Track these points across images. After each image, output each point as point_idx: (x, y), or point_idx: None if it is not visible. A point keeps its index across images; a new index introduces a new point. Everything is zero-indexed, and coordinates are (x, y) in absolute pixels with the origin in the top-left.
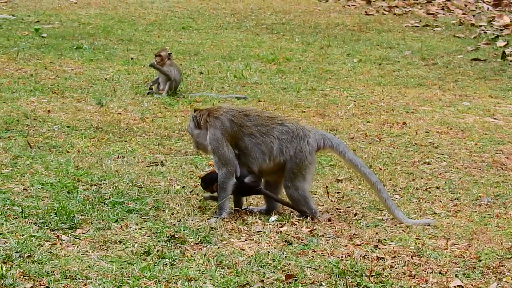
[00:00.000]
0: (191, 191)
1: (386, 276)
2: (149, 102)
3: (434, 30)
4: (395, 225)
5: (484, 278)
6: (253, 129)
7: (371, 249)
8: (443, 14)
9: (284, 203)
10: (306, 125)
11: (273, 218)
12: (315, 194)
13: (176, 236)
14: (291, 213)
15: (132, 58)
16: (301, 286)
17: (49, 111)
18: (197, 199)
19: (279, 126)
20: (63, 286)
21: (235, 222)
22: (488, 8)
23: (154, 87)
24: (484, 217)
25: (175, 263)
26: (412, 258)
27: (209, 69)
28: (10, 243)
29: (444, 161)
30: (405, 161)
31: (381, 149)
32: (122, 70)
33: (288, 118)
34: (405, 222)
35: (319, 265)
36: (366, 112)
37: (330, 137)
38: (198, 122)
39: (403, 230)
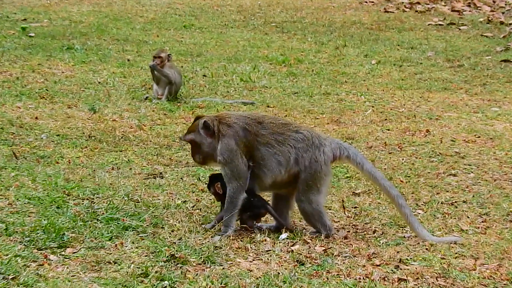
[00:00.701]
0: (193, 206)
1: None
2: (147, 108)
3: (459, 29)
4: (418, 243)
5: None
6: (269, 138)
7: (392, 270)
8: (469, 11)
9: (287, 227)
10: (321, 133)
11: (284, 235)
12: (330, 209)
13: (177, 255)
14: (304, 230)
15: (128, 60)
16: None
17: (36, 118)
18: (199, 214)
19: (295, 134)
20: None
21: (241, 240)
22: None
23: (152, 92)
24: None
25: (175, 286)
26: (437, 279)
27: (213, 71)
28: None
29: (472, 172)
30: (428, 172)
31: (402, 159)
32: (117, 72)
33: (302, 125)
34: (429, 240)
35: None
36: (385, 119)
37: (347, 147)
38: (212, 130)
39: (427, 249)
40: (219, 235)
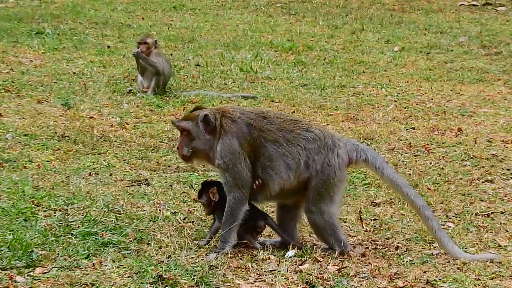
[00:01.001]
0: (184, 219)
1: None
2: (130, 103)
3: (496, 10)
4: (448, 261)
5: None
6: (277, 135)
7: None
8: None
9: (296, 244)
10: (334, 133)
11: (291, 253)
12: (345, 222)
13: (165, 276)
14: (314, 247)
15: (108, 47)
16: None
17: (0, 114)
18: (192, 228)
19: (305, 132)
20: None
21: (241, 259)
22: None
23: (136, 84)
24: None
25: None
26: None
27: (208, 60)
28: None
29: (511, 178)
30: (460, 178)
31: (430, 163)
32: (95, 61)
33: (312, 123)
34: (461, 257)
35: None
36: (410, 116)
37: (364, 148)
38: (213, 126)
39: (458, 268)
40: (215, 252)
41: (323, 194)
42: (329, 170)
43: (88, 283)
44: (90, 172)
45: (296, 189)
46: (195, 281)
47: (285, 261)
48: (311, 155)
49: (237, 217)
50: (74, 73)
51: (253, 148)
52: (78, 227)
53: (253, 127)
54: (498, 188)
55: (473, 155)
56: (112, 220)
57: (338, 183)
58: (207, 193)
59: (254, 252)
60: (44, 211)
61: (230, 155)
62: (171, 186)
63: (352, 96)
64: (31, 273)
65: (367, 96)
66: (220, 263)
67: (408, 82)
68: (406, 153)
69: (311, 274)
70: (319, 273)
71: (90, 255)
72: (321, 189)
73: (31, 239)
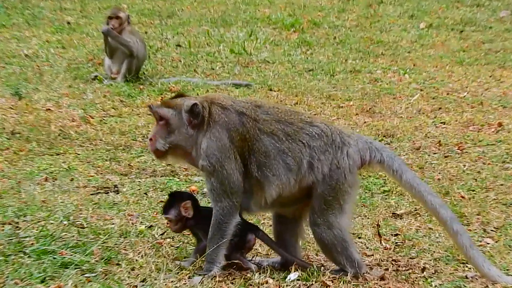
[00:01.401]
0: (162, 234)
1: None
2: (95, 92)
3: None
4: (487, 286)
5: None
6: (275, 126)
7: None
8: None
9: (299, 262)
10: (343, 128)
11: (293, 276)
12: (360, 238)
13: None
14: (322, 268)
15: (68, 23)
16: None
17: None
18: (171, 245)
19: (309, 127)
20: None
21: (232, 283)
22: None
23: (103, 68)
24: None
25: None
26: None
27: (191, 39)
28: None
29: None
30: (501, 184)
31: (464, 166)
32: (52, 41)
33: (315, 116)
34: (501, 281)
35: None
36: (439, 108)
37: (379, 147)
38: (201, 119)
39: None
40: (200, 274)
41: (331, 203)
42: (338, 174)
43: None
44: (46, 177)
45: (297, 197)
46: None
47: (287, 285)
48: (315, 155)
49: (225, 232)
50: (27, 55)
51: (246, 143)
52: (32, 244)
53: (246, 116)
54: None
55: None
56: (74, 236)
57: (349, 189)
58: (177, 207)
59: (248, 275)
60: None
61: (218, 154)
62: (145, 194)
63: (368, 83)
64: None
65: (387, 84)
66: None
67: (437, 67)
68: (435, 153)
69: None
70: None
71: (46, 278)
72: (329, 196)
73: None
